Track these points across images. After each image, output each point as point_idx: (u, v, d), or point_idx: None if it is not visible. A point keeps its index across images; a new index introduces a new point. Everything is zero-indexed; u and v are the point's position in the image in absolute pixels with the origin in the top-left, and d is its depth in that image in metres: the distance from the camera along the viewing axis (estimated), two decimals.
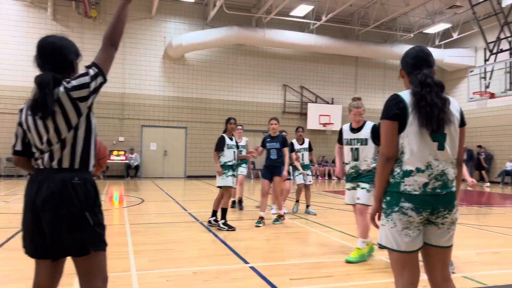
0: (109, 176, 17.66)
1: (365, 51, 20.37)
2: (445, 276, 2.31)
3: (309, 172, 8.37)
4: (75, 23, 17.49)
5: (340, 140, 5.17)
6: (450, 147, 2.23)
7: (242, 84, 19.79)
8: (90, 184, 2.14)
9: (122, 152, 17.53)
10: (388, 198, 2.26)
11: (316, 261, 4.70)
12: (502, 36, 13.49)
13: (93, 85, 2.14)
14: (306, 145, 8.37)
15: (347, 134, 5.04)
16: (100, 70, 2.19)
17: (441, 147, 2.20)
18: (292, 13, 18.73)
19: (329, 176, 19.83)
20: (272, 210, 7.99)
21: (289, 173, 7.92)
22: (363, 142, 4.82)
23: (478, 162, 19.31)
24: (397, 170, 2.24)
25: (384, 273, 4.25)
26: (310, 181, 8.42)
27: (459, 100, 16.74)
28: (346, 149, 4.99)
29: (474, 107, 17.19)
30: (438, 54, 20.73)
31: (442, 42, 20.95)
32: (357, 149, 4.84)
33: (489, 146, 19.94)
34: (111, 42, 2.24)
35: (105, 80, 2.22)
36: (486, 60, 14.05)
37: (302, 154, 8.28)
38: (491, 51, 13.86)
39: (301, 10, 18.35)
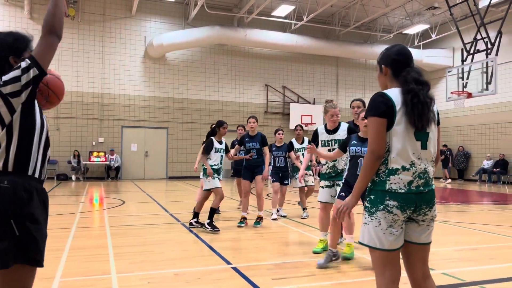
0: (89, 178, 17.37)
1: (346, 51, 20.56)
2: (425, 272, 2.33)
3: (310, 172, 7.95)
4: None
5: (315, 141, 5.13)
6: (432, 146, 2.26)
7: (224, 84, 19.71)
8: (24, 189, 1.91)
9: (102, 153, 17.26)
10: (372, 196, 2.26)
11: (298, 261, 4.70)
12: (478, 37, 13.78)
13: (24, 78, 1.92)
14: (306, 144, 7.80)
15: (324, 136, 5.06)
16: (35, 61, 1.96)
17: (424, 146, 2.23)
18: (273, 13, 18.77)
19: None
20: (273, 215, 7.51)
21: (288, 176, 7.87)
22: (340, 142, 4.82)
23: (445, 160, 19.75)
24: (382, 168, 2.23)
25: (366, 271, 4.27)
26: (312, 182, 7.89)
27: (438, 100, 16.97)
28: (323, 150, 4.97)
29: (452, 106, 17.54)
30: (417, 55, 21.07)
31: (421, 43, 21.30)
32: (334, 149, 4.84)
33: (466, 145, 20.37)
34: (49, 30, 2.01)
35: (41, 73, 1.98)
36: (463, 61, 14.31)
37: (303, 154, 7.68)
38: (468, 51, 14.13)
39: (283, 10, 18.39)
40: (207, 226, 6.26)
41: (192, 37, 17.82)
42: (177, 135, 18.92)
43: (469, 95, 14.03)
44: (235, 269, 4.29)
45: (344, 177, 4.55)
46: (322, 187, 5.00)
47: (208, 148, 6.47)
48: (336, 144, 4.89)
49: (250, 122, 6.93)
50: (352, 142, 4.43)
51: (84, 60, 17.53)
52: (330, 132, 5.01)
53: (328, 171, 4.95)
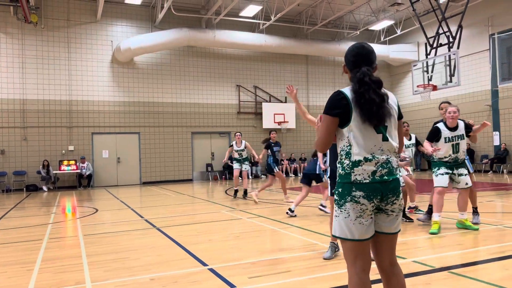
0: (60, 187, 16.95)
1: (314, 50, 20.82)
2: (392, 260, 2.42)
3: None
4: (15, 29, 16.62)
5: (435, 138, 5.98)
6: (393, 138, 2.37)
7: (195, 86, 19.60)
8: None
9: (73, 162, 16.87)
10: (340, 189, 2.35)
11: (274, 258, 4.75)
12: (440, 31, 14.22)
13: None
14: (413, 140, 7.68)
15: (446, 133, 5.92)
16: None
17: (385, 138, 2.33)
18: (241, 14, 18.81)
19: (286, 173, 20.09)
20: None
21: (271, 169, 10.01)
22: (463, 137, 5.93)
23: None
24: (346, 161, 2.33)
25: (341, 264, 4.36)
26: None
27: (405, 93, 17.44)
28: (447, 145, 5.90)
29: (419, 99, 18.04)
30: (384, 50, 21.57)
31: (387, 39, 21.81)
32: (458, 144, 5.90)
33: None
34: None
35: None
36: (427, 55, 14.75)
37: (411, 150, 7.67)
38: (431, 45, 14.56)
39: (250, 10, 18.46)
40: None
41: (160, 40, 17.65)
42: (149, 139, 18.69)
43: (434, 88, 14.45)
44: (211, 270, 4.29)
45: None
46: (442, 174, 5.90)
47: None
48: (459, 139, 5.85)
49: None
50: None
51: (50, 67, 17.08)
52: (451, 129, 5.88)
53: (449, 160, 5.89)
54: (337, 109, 2.30)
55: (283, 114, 20.76)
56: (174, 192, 14.11)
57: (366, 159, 2.29)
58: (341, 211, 2.32)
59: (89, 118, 17.70)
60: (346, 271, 3.99)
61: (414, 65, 15.54)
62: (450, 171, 5.91)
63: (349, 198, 2.29)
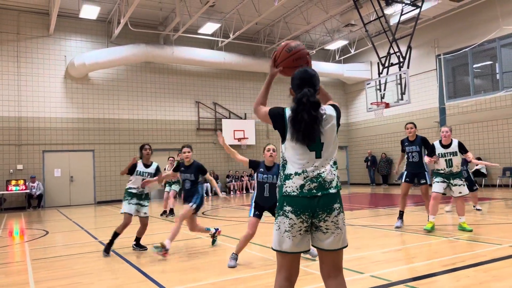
0: (7, 209, 15.99)
1: None
2: (332, 275, 2.49)
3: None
4: None
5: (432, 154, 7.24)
6: (326, 154, 2.47)
7: (152, 102, 19.30)
8: None
9: (22, 181, 16.00)
10: (278, 203, 2.53)
11: (235, 277, 4.68)
12: (391, 51, 14.91)
13: None
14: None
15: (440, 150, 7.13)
16: None
17: (318, 155, 2.45)
18: (200, 31, 18.85)
19: (247, 190, 20.07)
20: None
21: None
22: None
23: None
24: (281, 174, 2.54)
25: (300, 281, 4.35)
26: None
27: (359, 110, 18.01)
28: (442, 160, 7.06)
29: (373, 116, 18.70)
30: (339, 69, 22.29)
31: (342, 58, 22.57)
32: (450, 160, 7.04)
33: (388, 152, 21.75)
34: None
35: None
36: (379, 73, 15.38)
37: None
38: (383, 65, 15.21)
39: (209, 28, 18.56)
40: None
41: (117, 55, 17.31)
42: (104, 157, 18.10)
43: (387, 105, 15.05)
44: None
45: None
46: (438, 182, 7.01)
47: (131, 169, 6.47)
48: (452, 155, 6.92)
49: (184, 152, 6.20)
50: (260, 170, 5.28)
51: None
52: (444, 146, 6.98)
53: (445, 172, 6.98)
54: (277, 119, 2.56)
55: (243, 130, 20.83)
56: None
57: (296, 173, 2.44)
58: (275, 223, 2.51)
59: (40, 136, 16.94)
60: (313, 287, 4.02)
61: (368, 84, 16.15)
62: (447, 181, 7.01)
63: (281, 212, 2.46)
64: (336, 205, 2.42)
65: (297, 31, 19.40)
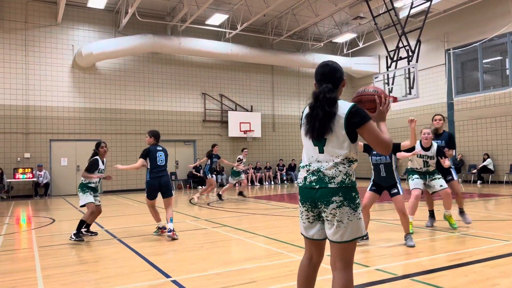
0: (14, 197, 16.13)
1: (280, 60, 21.06)
2: (334, 265, 2.57)
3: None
4: None
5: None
6: (330, 150, 2.55)
7: (159, 93, 19.30)
8: None
9: (29, 170, 16.11)
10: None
11: (239, 268, 4.68)
12: (400, 45, 14.75)
13: None
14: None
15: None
16: None
17: (321, 151, 2.58)
18: (207, 22, 18.77)
19: (252, 182, 20.08)
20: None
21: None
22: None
23: None
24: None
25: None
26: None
27: None
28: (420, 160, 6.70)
29: None
30: (346, 62, 22.12)
31: (350, 51, 22.40)
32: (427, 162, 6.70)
33: None
34: None
35: None
36: (388, 67, 15.24)
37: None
38: (392, 58, 15.06)
39: (217, 19, 18.46)
40: (73, 236, 6.46)
41: (124, 45, 17.29)
42: (110, 147, 18.03)
43: (395, 100, 14.92)
44: (174, 282, 4.17)
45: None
46: (416, 178, 6.62)
47: (92, 168, 7.05)
48: (429, 159, 6.54)
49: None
50: (373, 152, 5.75)
51: (5, 71, 16.33)
52: (424, 149, 6.55)
53: (422, 171, 6.66)
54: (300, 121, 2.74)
55: (249, 123, 20.79)
56: (136, 201, 13.75)
57: (303, 166, 2.68)
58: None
59: (47, 125, 17.02)
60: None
61: (376, 77, 16.01)
62: (423, 179, 6.69)
63: (299, 199, 2.70)
64: (336, 198, 2.49)
65: (305, 24, 19.25)
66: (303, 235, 2.72)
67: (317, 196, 2.54)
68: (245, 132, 20.61)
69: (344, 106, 2.54)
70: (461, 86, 19.10)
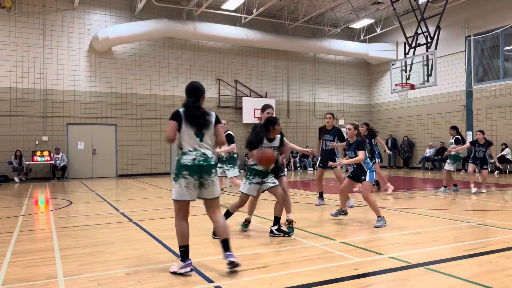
0: (32, 179, 16.49)
1: (295, 46, 20.83)
2: (214, 213, 4.16)
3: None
4: None
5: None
6: (208, 140, 4.07)
7: (174, 78, 19.35)
8: None
9: (47, 153, 16.42)
10: (176, 170, 3.98)
11: (252, 253, 4.73)
12: (419, 31, 14.43)
13: None
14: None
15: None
16: None
17: (201, 140, 4.03)
18: (223, 7, 18.62)
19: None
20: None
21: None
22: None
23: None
24: (179, 151, 4.02)
25: (319, 260, 4.37)
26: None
27: (382, 92, 17.75)
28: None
29: (397, 98, 18.30)
30: (363, 48, 21.80)
31: (367, 37, 22.02)
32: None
33: (411, 135, 21.37)
34: None
35: None
36: (406, 54, 14.95)
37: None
38: (410, 45, 14.76)
39: (232, 3, 18.28)
40: (276, 232, 5.64)
41: (140, 30, 17.31)
42: (126, 131, 18.36)
43: (412, 87, 14.68)
44: None
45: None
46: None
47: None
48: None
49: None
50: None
51: (24, 55, 16.54)
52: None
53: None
54: (175, 118, 3.99)
55: None
56: (151, 185, 13.93)
57: (189, 151, 3.98)
58: (176, 182, 3.97)
59: (64, 108, 17.26)
60: (323, 267, 4.04)
61: (393, 64, 15.74)
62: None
63: (181, 175, 3.93)
64: (213, 170, 4.03)
65: (321, 9, 18.96)
66: (183, 201, 3.99)
67: (204, 169, 3.99)
68: (259, 118, 20.53)
69: (210, 112, 4.22)
70: (481, 74, 18.67)
